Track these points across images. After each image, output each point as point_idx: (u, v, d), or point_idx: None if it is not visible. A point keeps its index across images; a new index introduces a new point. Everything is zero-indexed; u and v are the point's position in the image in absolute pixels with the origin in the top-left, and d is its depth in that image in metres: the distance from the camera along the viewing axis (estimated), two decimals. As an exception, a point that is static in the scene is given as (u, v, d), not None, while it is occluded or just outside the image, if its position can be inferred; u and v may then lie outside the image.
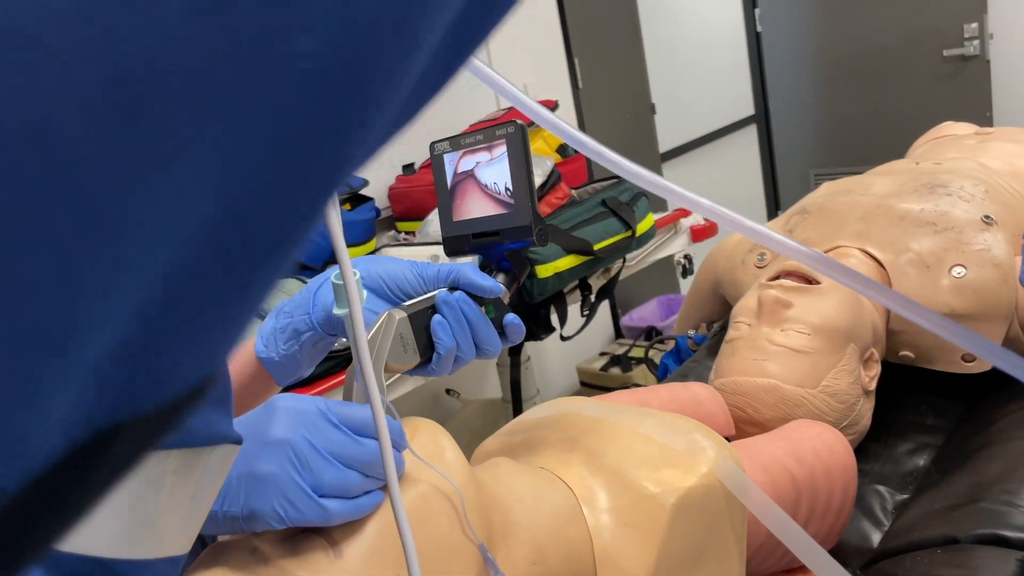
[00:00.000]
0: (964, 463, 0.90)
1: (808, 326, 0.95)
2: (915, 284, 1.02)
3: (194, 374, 0.14)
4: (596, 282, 2.00)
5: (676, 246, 2.28)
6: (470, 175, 0.66)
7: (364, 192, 2.07)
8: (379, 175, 2.27)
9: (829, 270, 0.48)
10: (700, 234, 2.30)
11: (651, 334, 2.95)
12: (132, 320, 0.12)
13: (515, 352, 2.02)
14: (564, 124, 0.49)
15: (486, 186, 0.65)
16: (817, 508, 0.79)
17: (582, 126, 2.93)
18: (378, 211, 2.14)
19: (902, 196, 1.14)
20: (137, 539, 0.35)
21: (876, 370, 1.00)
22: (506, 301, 0.67)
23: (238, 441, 0.41)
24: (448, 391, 2.47)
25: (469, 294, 0.64)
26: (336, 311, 0.52)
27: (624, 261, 2.01)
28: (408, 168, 2.30)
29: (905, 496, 0.97)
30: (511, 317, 0.66)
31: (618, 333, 3.22)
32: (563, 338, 2.01)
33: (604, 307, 3.08)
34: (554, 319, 1.92)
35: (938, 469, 0.96)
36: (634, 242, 1.92)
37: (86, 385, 0.12)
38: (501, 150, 0.63)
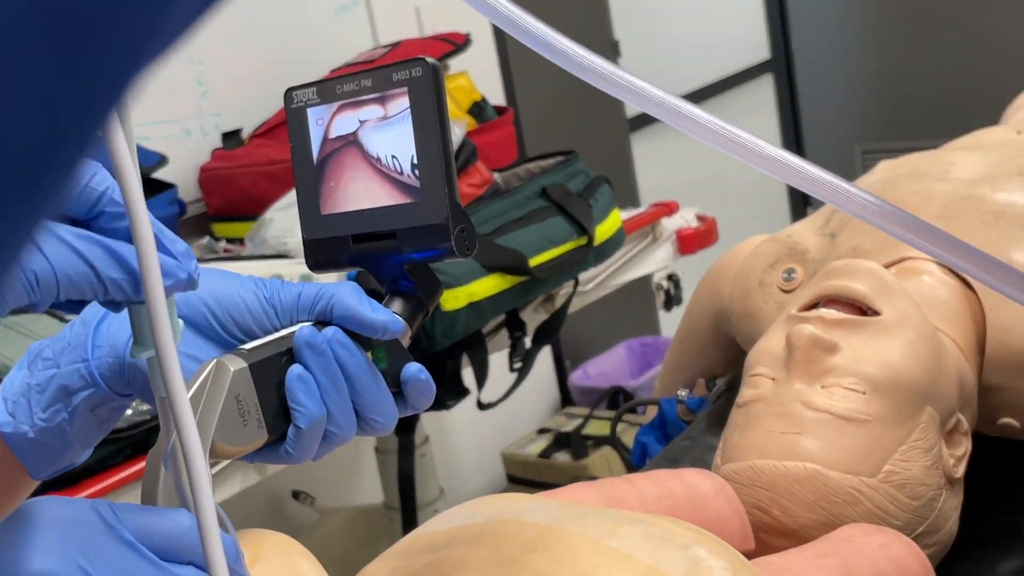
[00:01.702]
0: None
1: (864, 380, 0.96)
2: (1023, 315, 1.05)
3: None
4: (533, 318, 2.01)
5: (655, 261, 2.30)
6: (351, 142, 0.66)
7: (159, 175, 2.04)
8: (184, 148, 2.22)
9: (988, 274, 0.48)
10: (691, 242, 2.32)
11: (618, 399, 2.98)
12: None
13: (405, 429, 2.01)
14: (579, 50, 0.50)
15: (377, 160, 0.65)
16: (883, 660, 0.80)
17: (507, 71, 2.97)
18: (183, 205, 2.11)
19: (999, 182, 1.18)
20: None
21: (966, 447, 1.02)
22: (406, 343, 0.67)
23: None
24: (296, 494, 2.43)
25: (348, 332, 0.64)
26: (135, 352, 0.51)
27: (576, 284, 2.02)
28: (231, 138, 2.27)
29: (1011, 638, 0.99)
30: (413, 369, 0.66)
31: (566, 399, 3.22)
32: (481, 406, 2.02)
33: (545, 357, 3.09)
34: (468, 376, 1.92)
35: (1059, 597, 0.99)
36: (591, 254, 1.94)
37: None
38: (402, 104, 0.64)
